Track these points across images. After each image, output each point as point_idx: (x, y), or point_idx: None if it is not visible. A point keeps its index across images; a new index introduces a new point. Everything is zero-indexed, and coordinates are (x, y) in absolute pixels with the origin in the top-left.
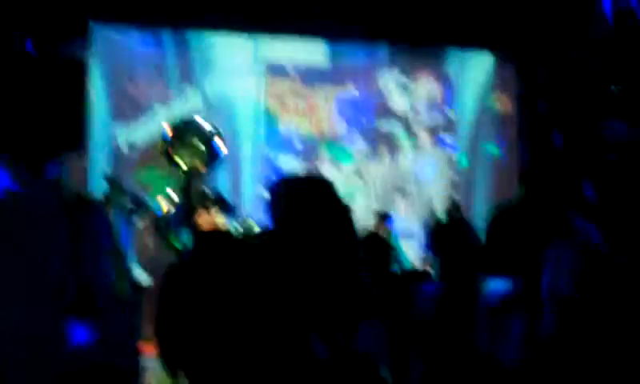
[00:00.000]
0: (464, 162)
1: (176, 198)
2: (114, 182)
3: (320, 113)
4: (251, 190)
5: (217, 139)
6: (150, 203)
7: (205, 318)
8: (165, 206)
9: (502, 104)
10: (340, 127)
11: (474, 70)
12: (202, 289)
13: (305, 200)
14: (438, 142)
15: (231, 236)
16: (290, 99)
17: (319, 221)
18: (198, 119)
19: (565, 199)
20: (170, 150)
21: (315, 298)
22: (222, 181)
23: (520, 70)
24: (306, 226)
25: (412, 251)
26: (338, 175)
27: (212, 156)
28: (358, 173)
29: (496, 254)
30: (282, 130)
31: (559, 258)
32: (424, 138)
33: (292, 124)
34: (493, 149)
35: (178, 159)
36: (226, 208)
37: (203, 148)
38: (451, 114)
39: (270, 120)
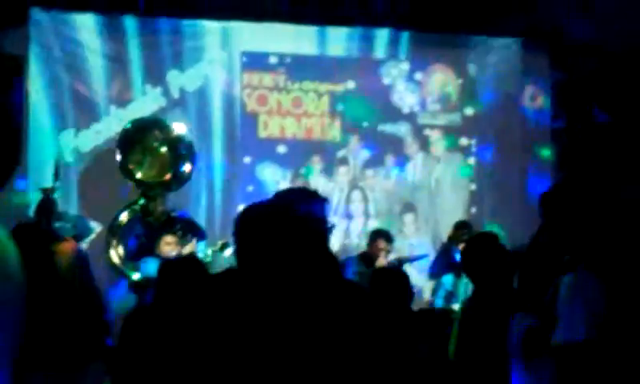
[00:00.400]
0: (466, 171)
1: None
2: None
3: (310, 112)
4: (225, 206)
5: (182, 138)
6: (95, 228)
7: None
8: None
9: (532, 100)
10: (335, 129)
11: (498, 61)
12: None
13: (270, 238)
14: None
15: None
16: (274, 96)
17: (287, 263)
18: (161, 121)
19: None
20: (125, 158)
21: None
22: (191, 195)
23: (553, 59)
24: (272, 266)
25: (419, 276)
26: (332, 187)
27: (177, 161)
28: (356, 185)
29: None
30: (263, 132)
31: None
32: (437, 140)
33: (275, 126)
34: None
35: (134, 169)
36: (196, 232)
37: (166, 151)
38: (470, 112)
39: (249, 121)
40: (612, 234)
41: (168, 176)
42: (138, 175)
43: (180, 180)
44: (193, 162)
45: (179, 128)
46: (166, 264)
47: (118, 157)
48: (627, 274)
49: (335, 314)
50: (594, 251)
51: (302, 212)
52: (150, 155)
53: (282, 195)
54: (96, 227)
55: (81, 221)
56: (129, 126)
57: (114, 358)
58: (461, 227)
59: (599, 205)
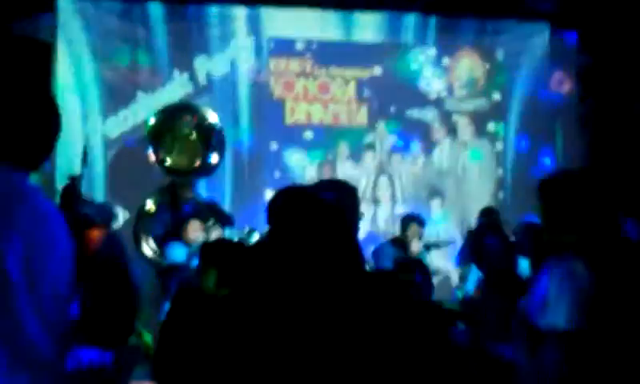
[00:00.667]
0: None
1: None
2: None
3: (337, 98)
4: (252, 192)
5: (214, 127)
6: (120, 215)
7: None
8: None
9: (559, 85)
10: (362, 115)
11: (525, 45)
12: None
13: (300, 224)
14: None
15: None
16: (300, 82)
17: (316, 244)
18: (192, 105)
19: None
20: (156, 144)
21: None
22: (218, 181)
23: (584, 44)
24: (302, 254)
25: (447, 262)
26: (358, 173)
27: (208, 147)
28: (383, 170)
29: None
30: (290, 118)
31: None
32: (464, 126)
33: (302, 112)
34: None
35: (164, 155)
36: (223, 219)
37: (196, 138)
38: (497, 97)
39: (276, 107)
40: (604, 224)
41: (197, 163)
42: (168, 162)
43: (208, 169)
44: (221, 153)
45: (211, 116)
46: (207, 246)
47: (148, 143)
48: (616, 263)
49: (366, 309)
50: (584, 239)
51: (331, 199)
52: (179, 141)
53: (312, 186)
54: (121, 214)
55: (102, 208)
56: (159, 111)
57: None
58: (487, 214)
59: (598, 195)
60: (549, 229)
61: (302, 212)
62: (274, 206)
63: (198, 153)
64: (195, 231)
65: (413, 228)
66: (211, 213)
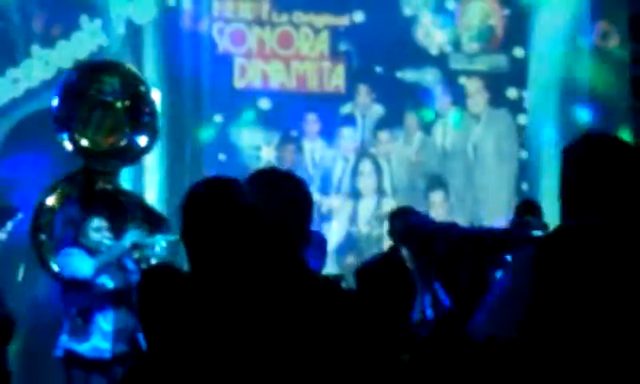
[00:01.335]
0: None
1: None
2: None
3: (304, 54)
4: (191, 180)
5: (146, 93)
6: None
7: None
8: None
9: (603, 40)
10: (337, 76)
11: None
12: None
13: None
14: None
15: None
16: (254, 32)
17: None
18: (120, 64)
19: None
20: (66, 116)
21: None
22: (142, 168)
23: None
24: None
25: None
26: (332, 156)
27: (138, 124)
28: (365, 152)
29: None
30: (239, 81)
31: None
32: (476, 91)
33: (256, 73)
34: (583, 114)
35: (77, 131)
36: (154, 222)
37: (121, 109)
38: (520, 54)
39: (220, 66)
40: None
41: (123, 142)
42: (83, 141)
43: (134, 153)
44: (153, 135)
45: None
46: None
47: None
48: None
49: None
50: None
51: (249, 201)
52: (98, 112)
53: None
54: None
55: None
56: (71, 70)
57: None
58: (527, 211)
59: None
60: (566, 210)
61: (208, 218)
62: (184, 206)
63: (122, 129)
64: (97, 231)
65: None
66: (140, 214)
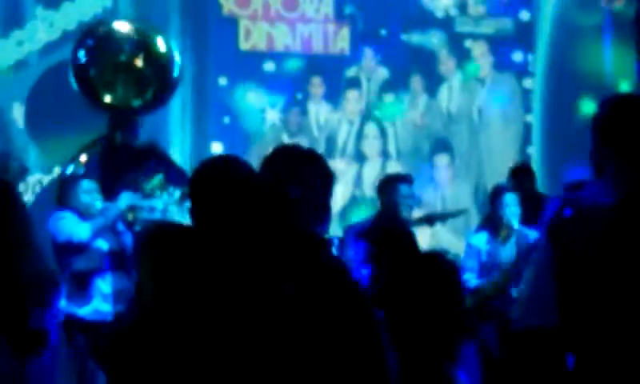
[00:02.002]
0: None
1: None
2: None
3: (309, 16)
4: (196, 143)
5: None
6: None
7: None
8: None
9: (613, 1)
10: (342, 39)
11: None
12: None
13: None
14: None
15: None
16: None
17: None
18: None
19: None
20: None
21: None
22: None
23: None
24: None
25: (457, 239)
26: (338, 119)
27: (164, 82)
28: (370, 115)
29: None
30: (244, 44)
31: None
32: (481, 55)
33: (261, 35)
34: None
35: (102, 92)
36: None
37: (145, 68)
38: (526, 17)
39: (225, 28)
40: None
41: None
42: (107, 98)
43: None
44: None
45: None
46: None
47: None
48: None
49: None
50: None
51: (261, 179)
52: (124, 72)
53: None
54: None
55: (7, 162)
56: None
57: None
58: (518, 174)
59: None
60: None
61: (215, 195)
62: (191, 184)
63: (146, 84)
64: (87, 193)
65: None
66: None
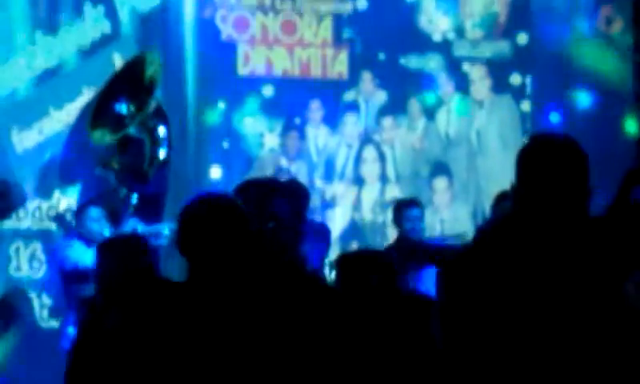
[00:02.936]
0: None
1: None
2: None
3: (307, 41)
4: (196, 168)
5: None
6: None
7: None
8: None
9: (607, 25)
10: (340, 63)
11: None
12: None
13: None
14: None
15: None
16: (258, 18)
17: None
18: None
19: None
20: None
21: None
22: None
23: None
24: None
25: None
26: (336, 143)
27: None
28: (369, 139)
29: None
30: (243, 68)
31: None
32: (479, 78)
33: (260, 59)
34: (584, 98)
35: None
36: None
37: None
38: (524, 40)
39: (224, 52)
40: None
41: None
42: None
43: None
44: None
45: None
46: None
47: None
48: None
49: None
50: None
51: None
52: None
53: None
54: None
55: (7, 188)
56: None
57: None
58: (503, 199)
59: None
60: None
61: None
62: (181, 222)
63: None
64: (95, 221)
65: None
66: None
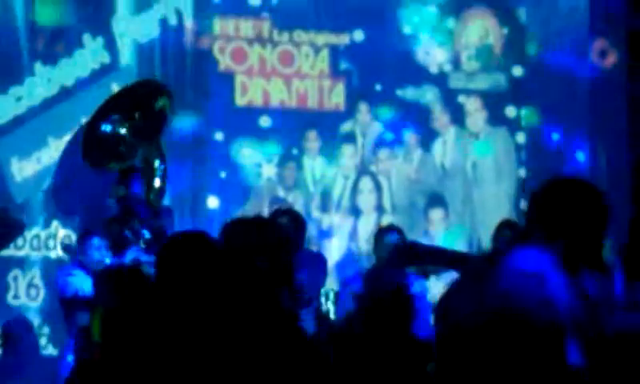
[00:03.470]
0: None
1: None
2: None
3: (304, 72)
4: (192, 198)
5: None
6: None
7: None
8: None
9: (602, 57)
10: (337, 95)
11: (557, 4)
12: None
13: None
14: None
15: None
16: (255, 50)
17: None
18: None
19: None
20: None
21: None
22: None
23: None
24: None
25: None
26: (333, 174)
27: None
28: (366, 170)
29: None
30: (241, 99)
31: None
32: (475, 110)
33: (257, 90)
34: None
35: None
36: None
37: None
38: (519, 72)
39: (222, 84)
40: None
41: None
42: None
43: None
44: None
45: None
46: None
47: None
48: None
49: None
50: None
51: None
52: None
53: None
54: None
55: (5, 216)
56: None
57: None
58: (504, 227)
59: None
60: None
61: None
62: (160, 259)
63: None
64: (97, 250)
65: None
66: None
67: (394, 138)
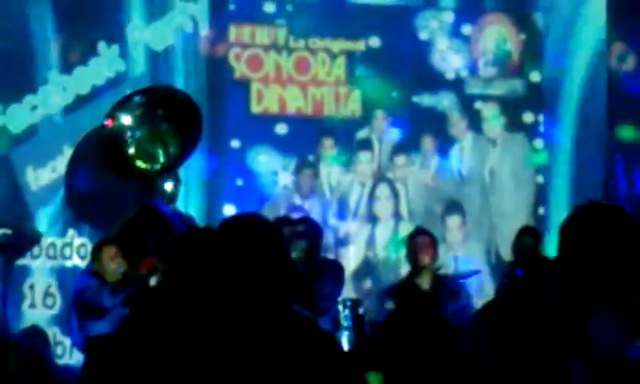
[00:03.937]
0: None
1: None
2: None
3: (320, 79)
4: (209, 207)
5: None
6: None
7: None
8: None
9: (620, 62)
10: (353, 101)
11: (574, 9)
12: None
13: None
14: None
15: None
16: (271, 57)
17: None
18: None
19: None
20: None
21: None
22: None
23: None
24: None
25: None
26: (350, 181)
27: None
28: (382, 177)
29: None
30: (257, 106)
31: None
32: (492, 116)
33: (273, 98)
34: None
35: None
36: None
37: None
38: (536, 78)
39: (238, 91)
40: None
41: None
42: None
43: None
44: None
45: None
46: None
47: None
48: None
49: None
50: None
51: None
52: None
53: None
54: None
55: (21, 226)
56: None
57: None
58: (524, 234)
59: None
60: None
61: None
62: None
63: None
64: (111, 259)
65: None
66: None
67: (411, 145)
